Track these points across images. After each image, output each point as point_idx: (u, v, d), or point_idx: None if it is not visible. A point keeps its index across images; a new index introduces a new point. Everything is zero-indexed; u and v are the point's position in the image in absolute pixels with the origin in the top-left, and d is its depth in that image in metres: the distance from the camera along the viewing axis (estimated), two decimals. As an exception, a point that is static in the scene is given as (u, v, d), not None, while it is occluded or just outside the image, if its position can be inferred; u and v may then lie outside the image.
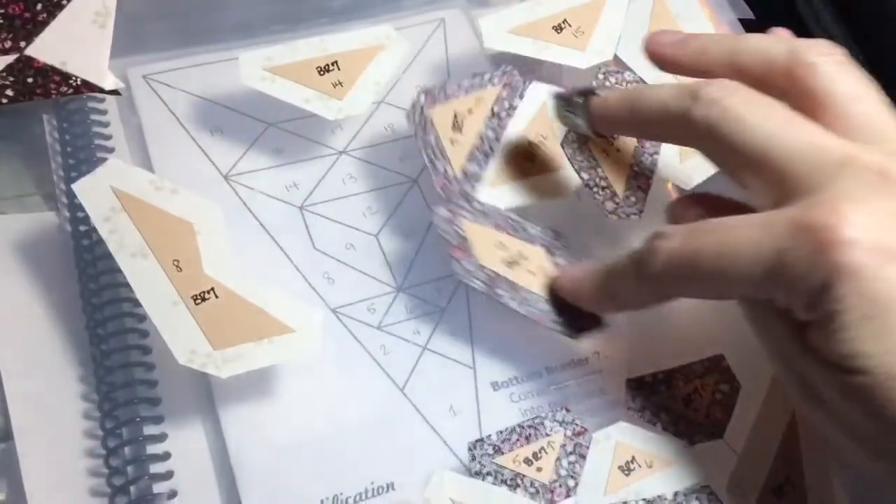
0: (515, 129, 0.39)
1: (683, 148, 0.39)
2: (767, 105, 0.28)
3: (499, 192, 0.37)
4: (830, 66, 0.30)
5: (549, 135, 0.39)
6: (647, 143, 0.39)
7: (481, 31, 0.41)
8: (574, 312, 0.34)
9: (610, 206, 0.37)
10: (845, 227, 0.24)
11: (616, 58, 0.41)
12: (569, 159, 0.38)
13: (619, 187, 0.38)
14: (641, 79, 0.41)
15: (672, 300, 0.31)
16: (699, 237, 0.28)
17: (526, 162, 0.38)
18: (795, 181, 0.26)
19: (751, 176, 0.28)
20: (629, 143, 0.39)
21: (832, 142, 0.27)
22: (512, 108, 0.39)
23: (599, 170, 0.38)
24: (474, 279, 0.34)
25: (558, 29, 0.41)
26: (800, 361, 0.27)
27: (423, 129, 0.37)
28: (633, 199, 0.38)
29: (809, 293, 0.25)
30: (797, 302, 0.26)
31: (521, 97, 0.39)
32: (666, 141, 0.34)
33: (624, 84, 0.40)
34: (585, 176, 0.37)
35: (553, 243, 0.37)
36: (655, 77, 0.40)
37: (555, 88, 0.39)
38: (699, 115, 0.28)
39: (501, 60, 0.40)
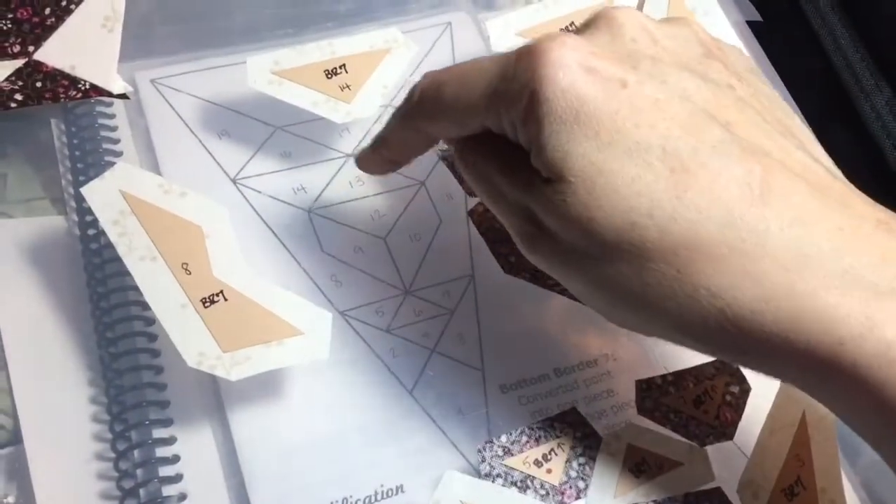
0: None
1: None
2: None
3: None
4: None
5: None
6: None
7: (489, 34, 0.41)
8: None
9: None
10: (555, 47, 0.27)
11: None
12: None
13: None
14: None
15: (431, 140, 0.33)
16: (445, 72, 0.31)
17: None
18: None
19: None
20: None
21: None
22: None
23: None
24: (522, 271, 0.35)
25: (567, 31, 0.41)
26: (519, 195, 0.29)
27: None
28: None
29: (522, 107, 0.27)
30: (514, 118, 0.28)
31: None
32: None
33: None
34: None
35: None
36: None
37: None
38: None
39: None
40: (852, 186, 0.28)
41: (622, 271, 0.27)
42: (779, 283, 0.25)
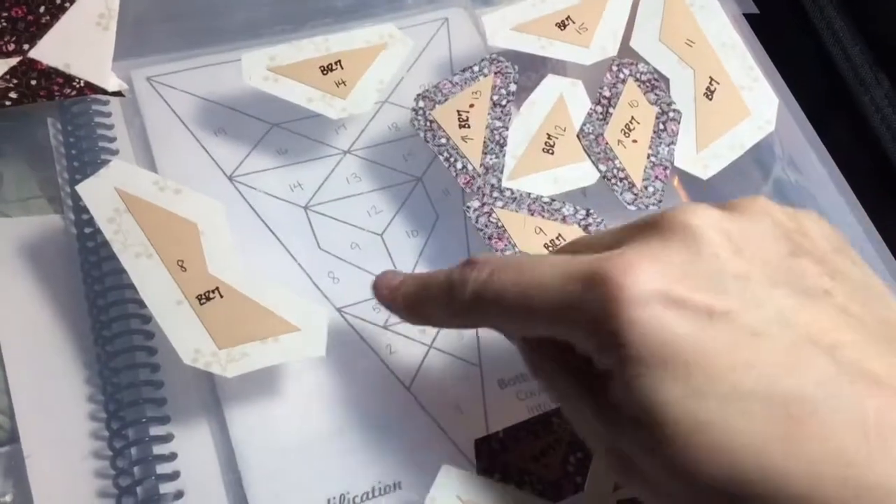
0: (533, 122, 0.39)
1: (700, 137, 0.40)
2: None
3: (519, 184, 0.38)
4: None
5: (568, 126, 0.39)
6: (664, 133, 0.39)
7: (485, 29, 0.41)
8: None
9: (629, 196, 0.38)
10: (630, 277, 0.24)
11: (631, 50, 0.41)
12: (585, 150, 0.38)
13: (636, 178, 0.38)
14: (656, 70, 0.41)
15: (484, 327, 0.30)
16: (504, 273, 0.28)
17: (545, 155, 0.38)
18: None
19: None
20: (645, 133, 0.39)
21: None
22: (510, 94, 0.39)
23: (617, 161, 0.38)
24: None
25: (562, 26, 0.41)
26: (603, 426, 0.26)
27: (432, 133, 0.37)
28: (650, 189, 0.38)
29: (597, 343, 0.25)
30: (592, 349, 0.25)
31: (516, 83, 0.39)
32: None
33: (638, 75, 0.40)
34: (602, 168, 0.38)
35: (587, 220, 0.37)
36: (669, 68, 0.41)
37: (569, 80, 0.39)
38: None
39: (507, 58, 0.40)
40: None
41: None
42: None
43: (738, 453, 0.23)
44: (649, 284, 0.24)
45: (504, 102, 0.39)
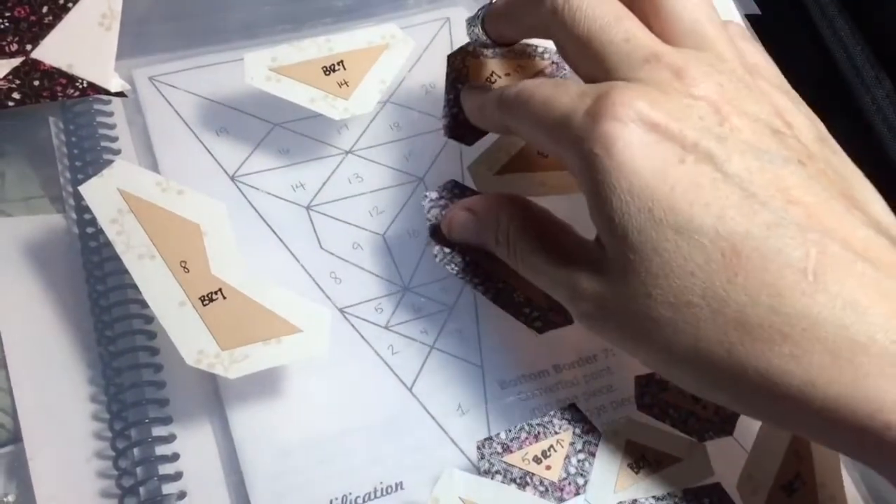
0: None
1: None
2: (604, 1, 0.31)
3: (507, 180, 0.37)
4: None
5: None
6: None
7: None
8: None
9: None
10: (619, 105, 0.27)
11: None
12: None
13: None
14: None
15: (514, 132, 0.34)
16: (539, 86, 0.31)
17: (540, 156, 0.38)
18: (609, 69, 0.30)
19: (579, 60, 0.31)
20: None
21: (645, 40, 0.30)
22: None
23: None
24: (452, 264, 0.34)
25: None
26: (565, 271, 0.30)
27: (458, 74, 0.38)
28: None
29: (579, 165, 0.28)
30: (576, 168, 0.29)
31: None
32: (536, 36, 0.36)
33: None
34: None
35: None
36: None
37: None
38: (547, 4, 0.31)
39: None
40: None
41: (679, 341, 0.27)
42: (826, 369, 0.25)
43: (688, 280, 0.26)
44: (636, 106, 0.27)
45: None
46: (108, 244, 0.33)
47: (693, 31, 0.30)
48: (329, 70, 0.39)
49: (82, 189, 0.33)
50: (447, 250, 0.35)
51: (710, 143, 0.27)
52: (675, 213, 0.26)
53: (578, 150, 0.28)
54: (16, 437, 0.32)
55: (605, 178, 0.27)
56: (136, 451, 0.32)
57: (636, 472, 0.32)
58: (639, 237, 0.27)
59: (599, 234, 0.29)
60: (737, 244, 0.26)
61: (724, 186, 0.26)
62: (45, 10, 0.38)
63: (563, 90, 0.30)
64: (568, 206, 0.38)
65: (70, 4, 0.38)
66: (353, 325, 0.36)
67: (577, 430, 0.33)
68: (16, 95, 0.36)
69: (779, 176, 0.27)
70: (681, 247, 0.26)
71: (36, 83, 0.37)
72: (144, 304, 0.32)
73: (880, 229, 0.27)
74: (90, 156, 0.37)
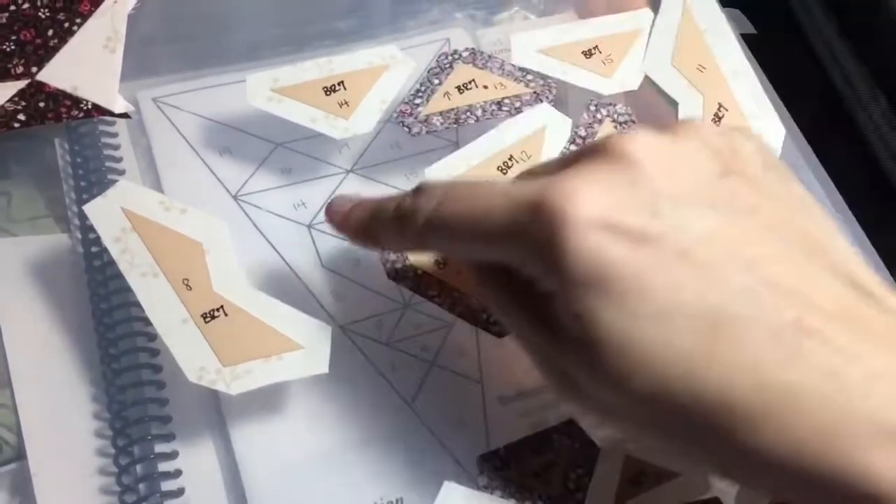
0: (506, 139, 0.39)
1: None
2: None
3: None
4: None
5: (535, 156, 0.38)
6: None
7: (511, 47, 0.41)
8: None
9: None
10: (570, 203, 0.25)
11: (645, 77, 0.42)
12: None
13: None
14: (630, 114, 0.41)
15: (434, 251, 0.33)
16: (455, 202, 0.29)
17: (498, 173, 0.38)
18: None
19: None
20: None
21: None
22: (517, 110, 0.39)
23: None
24: (405, 279, 0.35)
25: (588, 54, 0.42)
26: (544, 342, 0.28)
27: (441, 70, 0.38)
28: None
29: (541, 267, 0.26)
30: (536, 273, 0.27)
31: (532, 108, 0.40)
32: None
33: (616, 116, 0.40)
34: None
35: None
36: (679, 92, 0.41)
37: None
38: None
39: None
40: (891, 303, 0.26)
41: (659, 426, 0.26)
42: (812, 443, 0.24)
43: (667, 368, 0.25)
44: (589, 211, 0.25)
45: (501, 113, 0.39)
46: (112, 263, 0.33)
47: None
48: (330, 90, 0.39)
49: (87, 209, 0.34)
50: (398, 266, 0.35)
51: (667, 208, 0.26)
52: (647, 300, 0.25)
53: (534, 256, 0.27)
54: (20, 454, 0.32)
55: (570, 277, 0.26)
56: (138, 467, 0.32)
57: (635, 488, 0.32)
58: (610, 327, 0.25)
59: (572, 329, 0.26)
60: (712, 321, 0.25)
61: (692, 259, 0.25)
62: (50, 32, 0.38)
63: (489, 201, 0.28)
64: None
65: (75, 28, 0.39)
66: (353, 342, 0.36)
67: (577, 446, 0.33)
68: (21, 117, 0.37)
69: (741, 231, 0.26)
70: (657, 333, 0.25)
71: (41, 105, 0.37)
72: (147, 322, 0.33)
73: (849, 281, 0.26)
74: (95, 176, 0.37)
